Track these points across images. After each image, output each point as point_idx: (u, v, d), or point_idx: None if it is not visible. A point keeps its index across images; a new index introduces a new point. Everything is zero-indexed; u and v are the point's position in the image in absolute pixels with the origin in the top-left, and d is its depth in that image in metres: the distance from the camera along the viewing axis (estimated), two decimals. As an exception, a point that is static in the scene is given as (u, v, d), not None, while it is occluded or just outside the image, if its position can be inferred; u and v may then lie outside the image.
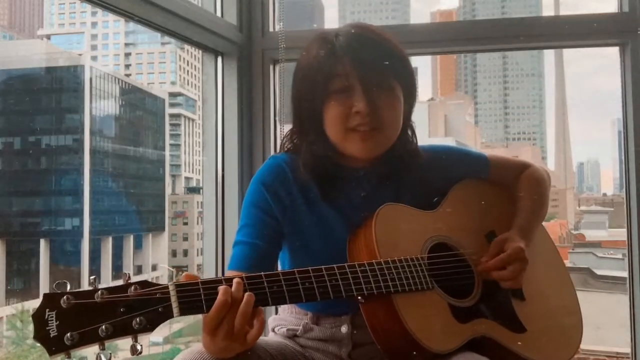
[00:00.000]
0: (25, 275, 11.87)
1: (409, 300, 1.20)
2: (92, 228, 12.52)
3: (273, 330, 1.46)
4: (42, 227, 12.75)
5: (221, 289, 1.02)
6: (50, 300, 0.95)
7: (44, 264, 11.90)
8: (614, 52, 2.14)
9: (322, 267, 1.15)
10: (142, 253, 13.35)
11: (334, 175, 1.35)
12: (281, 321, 1.44)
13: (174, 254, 13.32)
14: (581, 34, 2.16)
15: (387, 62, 1.31)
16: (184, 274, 1.08)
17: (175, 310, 1.00)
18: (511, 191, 1.51)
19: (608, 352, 6.24)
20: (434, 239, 1.33)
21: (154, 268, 13.13)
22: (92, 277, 0.99)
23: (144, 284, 1.00)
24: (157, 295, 1.00)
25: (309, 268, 1.14)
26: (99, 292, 0.97)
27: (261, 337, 1.39)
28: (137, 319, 0.97)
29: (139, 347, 0.98)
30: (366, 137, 1.29)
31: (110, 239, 12.89)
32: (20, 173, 13.33)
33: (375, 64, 1.30)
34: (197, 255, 12.02)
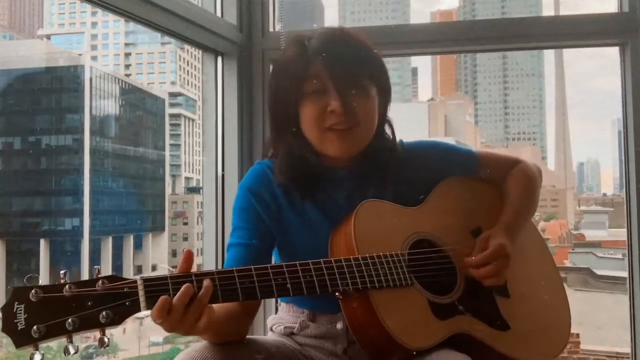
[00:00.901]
0: (25, 275, 11.83)
1: (387, 296, 1.19)
2: (92, 228, 12.54)
3: (271, 329, 1.46)
4: (42, 227, 12.77)
5: (161, 299, 1.02)
6: (20, 293, 0.97)
7: (44, 264, 11.92)
8: (614, 52, 2.14)
9: (297, 262, 1.15)
10: (142, 253, 13.37)
11: (314, 176, 1.36)
12: (279, 320, 1.44)
13: (174, 254, 13.33)
14: (581, 34, 2.16)
15: (360, 62, 1.32)
16: (185, 249, 1.10)
17: (142, 304, 1.01)
18: (500, 187, 1.48)
19: (608, 352, 6.24)
20: (416, 235, 1.31)
21: (154, 268, 13.14)
22: (63, 272, 1.00)
23: (112, 278, 1.01)
24: (125, 290, 1.01)
25: (283, 264, 1.14)
26: (67, 286, 0.98)
27: (260, 336, 1.40)
28: (104, 313, 0.98)
29: (106, 340, 0.99)
30: (342, 136, 1.30)
31: (110, 239, 12.91)
32: (20, 173, 13.35)
33: (347, 64, 1.31)
34: (197, 255, 11.97)
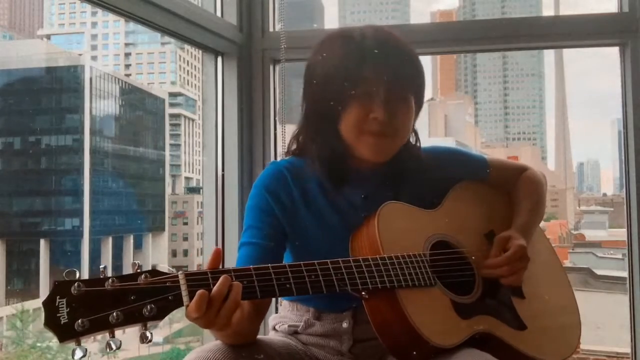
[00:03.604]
0: (25, 275, 11.87)
1: (413, 295, 1.21)
2: (92, 228, 12.52)
3: (274, 328, 1.47)
4: (42, 227, 12.74)
5: (199, 292, 1.02)
6: (61, 287, 0.95)
7: (44, 264, 11.90)
8: (614, 52, 2.15)
9: (328, 260, 1.17)
10: (142, 253, 13.35)
11: (340, 176, 1.37)
12: (282, 319, 1.45)
13: (174, 254, 13.32)
14: (581, 34, 2.16)
15: (408, 73, 1.34)
16: (215, 248, 1.12)
17: (185, 298, 1.01)
18: (508, 193, 1.54)
19: (608, 352, 6.24)
20: (435, 237, 1.35)
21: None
22: (103, 266, 0.99)
23: (154, 272, 1.02)
24: (167, 284, 1.01)
25: (315, 262, 1.16)
26: (110, 280, 0.97)
27: (264, 337, 1.41)
28: (148, 307, 0.98)
29: (148, 335, 0.99)
30: (378, 142, 1.32)
31: (110, 239, 12.89)
32: (20, 173, 13.33)
33: (399, 73, 1.32)
34: (197, 255, 12.03)
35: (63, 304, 0.94)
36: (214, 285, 1.04)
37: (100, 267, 0.99)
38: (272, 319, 1.50)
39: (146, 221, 14.47)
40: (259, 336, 1.35)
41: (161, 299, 0.99)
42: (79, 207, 12.56)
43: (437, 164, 1.46)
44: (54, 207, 13.06)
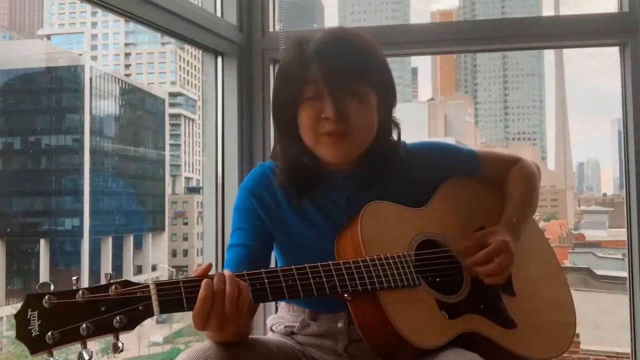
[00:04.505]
0: (25, 275, 11.87)
1: (395, 296, 1.20)
2: (92, 228, 12.52)
3: (271, 329, 1.47)
4: (42, 227, 12.74)
5: (203, 283, 1.04)
6: (33, 300, 0.97)
7: (44, 264, 11.90)
8: (614, 52, 2.14)
9: (306, 265, 1.17)
10: (142, 253, 13.36)
11: (313, 179, 1.37)
12: (279, 319, 1.45)
13: (174, 254, 13.34)
14: (581, 34, 2.16)
15: (358, 67, 1.32)
16: (208, 263, 1.12)
17: (155, 308, 1.02)
18: (501, 186, 1.50)
19: (608, 352, 6.25)
20: (422, 236, 1.33)
21: (154, 268, 13.14)
22: (75, 277, 1.01)
23: (125, 283, 1.02)
24: (138, 295, 1.02)
25: (292, 266, 1.15)
26: (81, 291, 0.99)
27: (260, 337, 1.41)
28: (118, 318, 0.99)
29: (120, 345, 1.00)
30: (336, 142, 1.30)
31: (110, 239, 12.90)
32: (20, 173, 13.32)
33: (343, 69, 1.30)
34: (197, 255, 12.03)
35: (35, 316, 0.96)
36: (186, 295, 1.05)
37: (73, 278, 1.00)
38: (269, 319, 1.50)
39: (146, 221, 14.49)
40: (255, 336, 1.35)
41: (131, 310, 1.00)
42: (79, 207, 12.56)
43: (426, 161, 1.43)
44: (54, 207, 13.06)
